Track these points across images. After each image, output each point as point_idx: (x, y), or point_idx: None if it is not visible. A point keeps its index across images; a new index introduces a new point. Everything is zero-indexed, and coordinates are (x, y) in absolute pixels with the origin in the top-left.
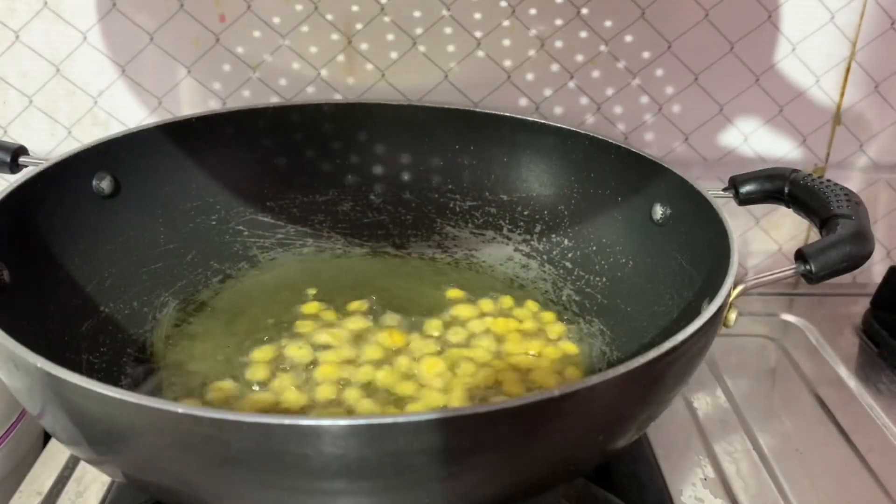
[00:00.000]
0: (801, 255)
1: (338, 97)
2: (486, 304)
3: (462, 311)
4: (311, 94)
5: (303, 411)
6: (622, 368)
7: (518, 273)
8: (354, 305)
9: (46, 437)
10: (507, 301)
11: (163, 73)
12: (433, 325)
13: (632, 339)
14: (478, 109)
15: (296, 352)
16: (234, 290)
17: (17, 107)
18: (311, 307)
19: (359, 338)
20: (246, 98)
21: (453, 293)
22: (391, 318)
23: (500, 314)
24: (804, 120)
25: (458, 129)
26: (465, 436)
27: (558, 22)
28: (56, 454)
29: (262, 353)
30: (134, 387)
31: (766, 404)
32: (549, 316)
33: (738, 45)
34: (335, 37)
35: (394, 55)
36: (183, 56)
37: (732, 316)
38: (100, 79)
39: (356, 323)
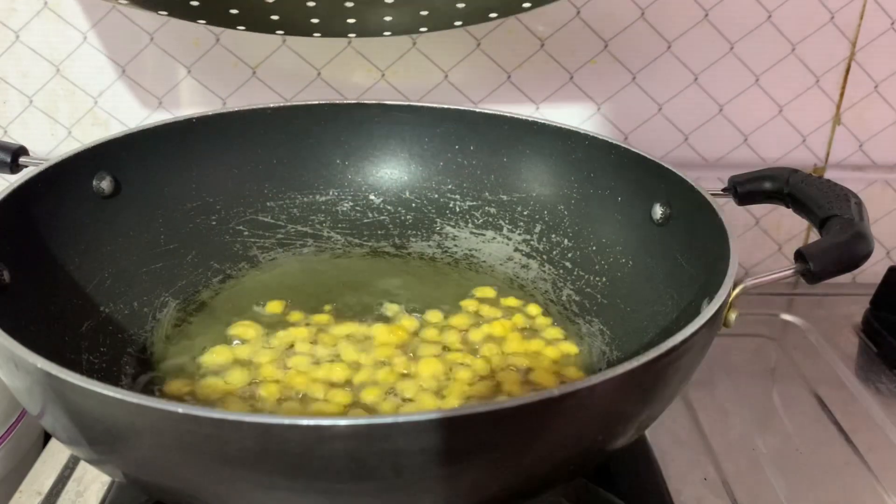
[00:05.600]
0: (800, 255)
1: (337, 97)
2: (487, 301)
3: (462, 311)
4: (310, 94)
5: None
6: (622, 368)
7: (518, 273)
8: (324, 312)
9: (46, 437)
10: (510, 302)
11: (163, 73)
12: (433, 325)
13: (632, 339)
14: (478, 109)
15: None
16: (234, 290)
17: (17, 107)
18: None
19: (358, 338)
20: (246, 98)
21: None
22: (391, 318)
23: (501, 315)
24: (804, 120)
25: (458, 129)
26: (465, 436)
27: (558, 22)
28: (56, 454)
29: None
30: (134, 387)
31: (766, 404)
32: (548, 317)
33: (738, 45)
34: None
35: (393, 55)
36: (183, 56)
37: (732, 316)
38: (100, 79)
39: (355, 323)
